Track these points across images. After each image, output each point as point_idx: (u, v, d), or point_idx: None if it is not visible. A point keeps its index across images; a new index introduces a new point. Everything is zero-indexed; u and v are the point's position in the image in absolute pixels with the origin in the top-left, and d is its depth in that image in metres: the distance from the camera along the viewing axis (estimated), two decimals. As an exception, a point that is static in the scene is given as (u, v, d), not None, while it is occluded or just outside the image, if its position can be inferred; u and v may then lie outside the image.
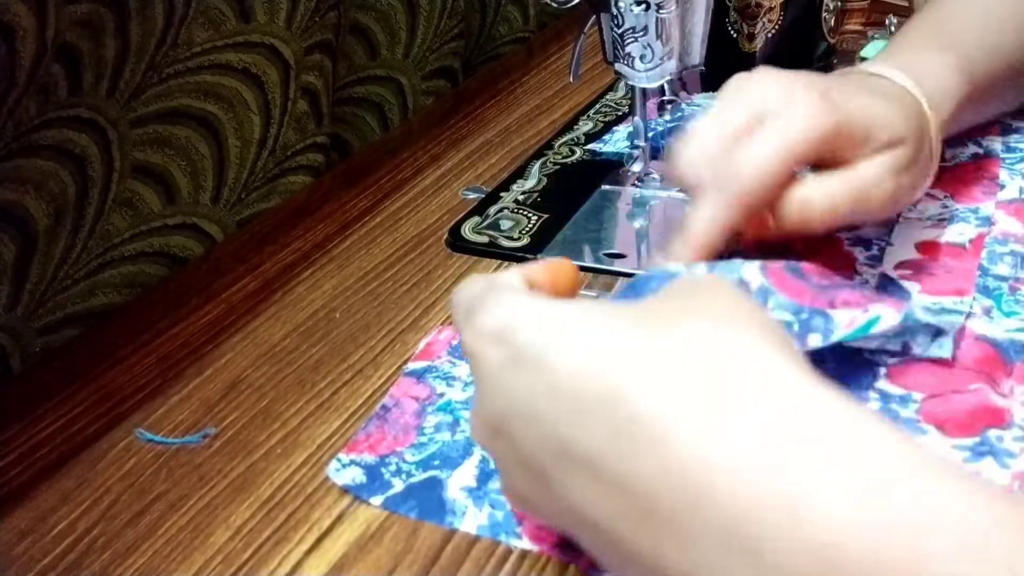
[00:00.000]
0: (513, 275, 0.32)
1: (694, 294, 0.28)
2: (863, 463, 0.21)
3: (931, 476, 0.22)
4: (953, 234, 0.49)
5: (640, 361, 0.25)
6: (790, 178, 0.41)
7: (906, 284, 0.45)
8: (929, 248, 0.48)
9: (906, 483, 0.21)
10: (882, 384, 0.40)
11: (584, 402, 0.25)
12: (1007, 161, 0.55)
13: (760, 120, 0.40)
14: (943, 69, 0.48)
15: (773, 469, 0.22)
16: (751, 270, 0.39)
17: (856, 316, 0.37)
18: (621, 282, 0.38)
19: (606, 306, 0.28)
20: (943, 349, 0.40)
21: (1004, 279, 0.45)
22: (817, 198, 0.41)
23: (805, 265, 0.40)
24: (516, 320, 0.28)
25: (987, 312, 0.43)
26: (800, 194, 0.41)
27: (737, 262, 0.39)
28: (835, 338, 0.37)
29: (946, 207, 0.51)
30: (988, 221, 0.49)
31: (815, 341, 0.37)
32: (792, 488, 0.21)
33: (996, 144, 0.56)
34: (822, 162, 0.42)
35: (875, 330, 0.37)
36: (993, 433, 0.36)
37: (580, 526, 0.27)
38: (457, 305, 0.32)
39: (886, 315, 0.37)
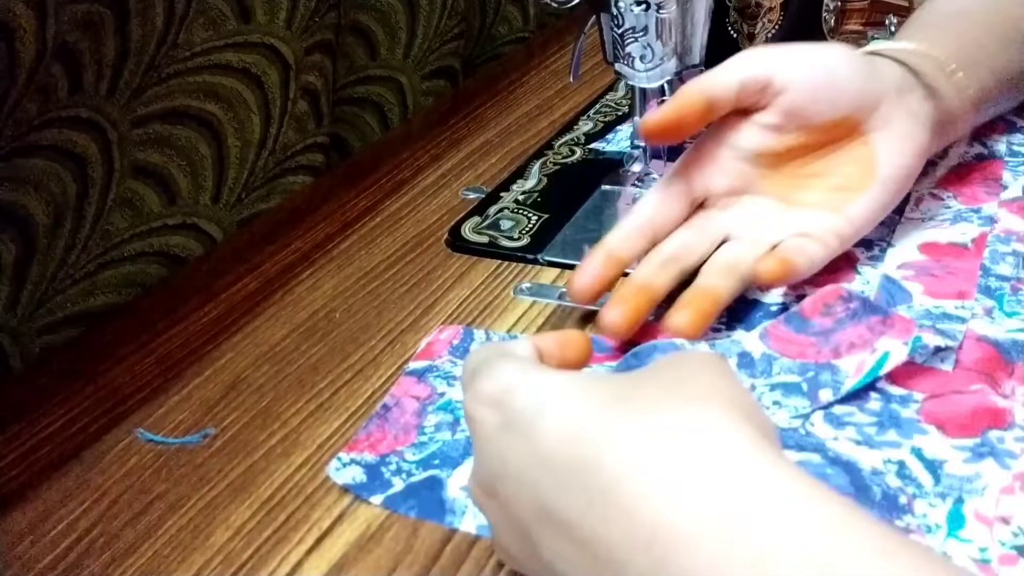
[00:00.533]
0: (524, 344, 0.33)
1: (678, 369, 0.30)
2: (812, 544, 0.23)
3: (879, 563, 0.23)
4: (955, 234, 0.49)
5: (617, 436, 0.26)
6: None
7: (908, 285, 0.45)
8: (931, 249, 0.48)
9: (852, 568, 0.23)
10: (883, 384, 0.40)
11: (564, 469, 0.27)
12: (1011, 163, 0.55)
13: None
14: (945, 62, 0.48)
15: (731, 538, 0.24)
16: (752, 340, 0.41)
17: (864, 359, 0.39)
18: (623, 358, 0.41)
19: (598, 378, 0.30)
20: (945, 363, 0.40)
21: (1006, 279, 0.45)
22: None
23: (805, 306, 0.41)
24: (513, 386, 0.29)
25: (988, 312, 0.43)
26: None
27: (739, 334, 0.41)
28: (846, 389, 0.39)
29: (948, 207, 0.51)
30: (991, 221, 0.49)
31: (826, 396, 0.39)
32: (748, 557, 0.23)
33: (1000, 145, 0.56)
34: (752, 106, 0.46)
35: (884, 370, 0.39)
36: (994, 434, 0.36)
37: None
38: (464, 369, 0.33)
39: (894, 351, 0.38)
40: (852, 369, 0.39)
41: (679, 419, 0.27)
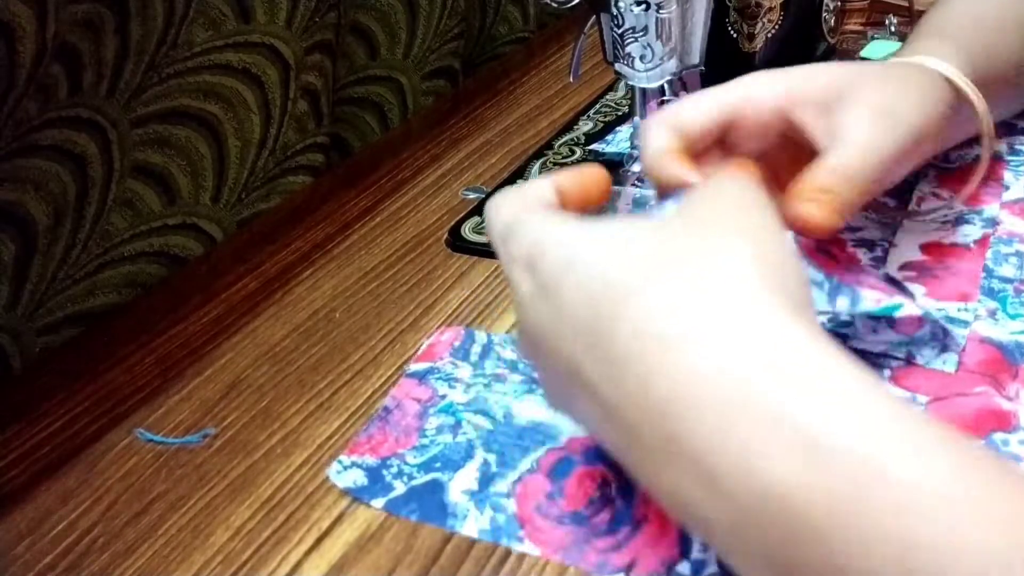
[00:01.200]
0: (545, 187, 0.34)
1: (711, 208, 0.30)
2: (818, 419, 0.24)
3: (884, 432, 0.23)
4: (958, 235, 0.49)
5: (634, 303, 0.27)
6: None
7: (911, 287, 0.45)
8: (933, 249, 0.48)
9: (854, 441, 0.23)
10: (886, 387, 0.39)
11: (587, 332, 0.28)
12: (1012, 163, 0.55)
13: None
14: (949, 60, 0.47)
15: (736, 409, 0.24)
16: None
17: (882, 298, 0.38)
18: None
19: (625, 230, 0.30)
20: (947, 364, 0.40)
21: (1009, 281, 0.45)
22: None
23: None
24: (541, 249, 0.31)
25: (992, 314, 0.43)
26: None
27: None
28: (862, 308, 0.38)
29: (951, 208, 0.51)
30: (993, 222, 0.49)
31: (843, 305, 0.38)
32: (748, 435, 0.24)
33: (1001, 146, 0.56)
34: (799, 127, 0.40)
35: (899, 314, 0.38)
36: (999, 437, 0.36)
37: (595, 435, 0.31)
38: (492, 226, 0.34)
39: (908, 305, 0.38)
40: (872, 299, 0.38)
41: (702, 284, 0.27)
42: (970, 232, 0.49)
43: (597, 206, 0.36)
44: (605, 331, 0.27)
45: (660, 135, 0.39)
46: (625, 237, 0.29)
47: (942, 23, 0.52)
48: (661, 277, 0.27)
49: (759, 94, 0.41)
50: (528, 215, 0.32)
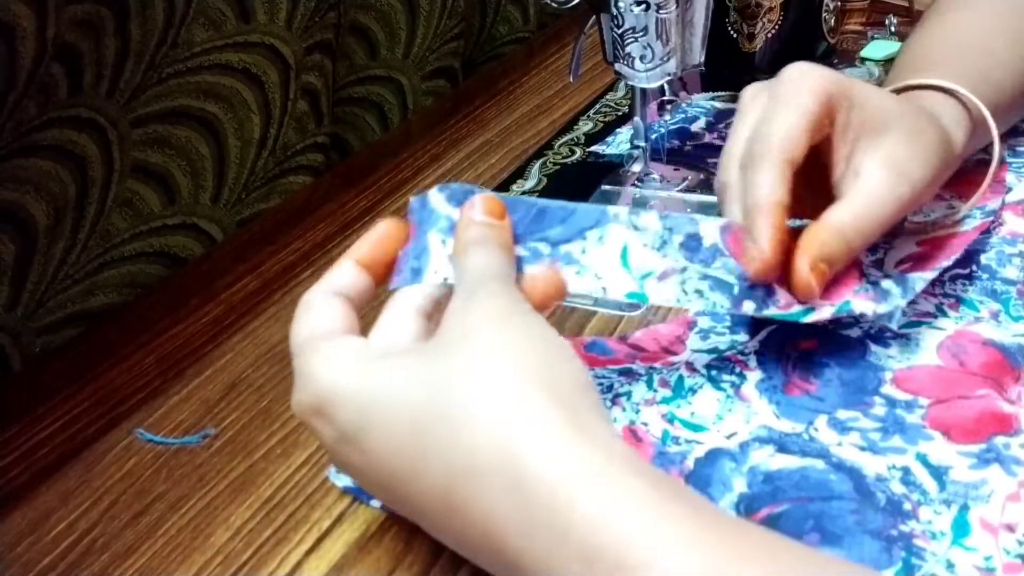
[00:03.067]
0: (345, 274, 0.37)
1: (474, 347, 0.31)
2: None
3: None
4: (956, 229, 0.48)
5: (422, 471, 0.29)
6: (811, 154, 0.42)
7: (910, 277, 0.45)
8: (930, 242, 0.48)
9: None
10: (887, 389, 0.39)
11: (395, 482, 0.31)
12: (1013, 165, 0.54)
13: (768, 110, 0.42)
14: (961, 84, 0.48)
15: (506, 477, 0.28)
16: (709, 227, 0.39)
17: (793, 302, 0.39)
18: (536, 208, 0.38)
19: (398, 381, 0.31)
20: (892, 321, 0.41)
21: (1012, 283, 0.45)
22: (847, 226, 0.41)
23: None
24: (331, 401, 0.31)
25: (995, 316, 0.43)
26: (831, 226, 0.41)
27: (697, 217, 0.39)
28: (767, 313, 0.39)
29: (952, 207, 0.51)
30: (994, 213, 0.49)
31: (748, 308, 0.38)
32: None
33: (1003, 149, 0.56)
34: (827, 150, 0.42)
35: (807, 319, 0.39)
36: (1000, 440, 0.36)
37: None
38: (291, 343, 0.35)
39: (819, 309, 0.39)
40: (783, 301, 0.39)
41: (482, 405, 0.28)
42: (969, 223, 0.49)
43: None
44: (404, 482, 0.30)
45: (778, 183, 0.40)
46: (402, 379, 0.31)
47: (930, 51, 0.52)
48: (444, 416, 0.29)
49: (826, 109, 0.41)
50: (310, 359, 0.33)
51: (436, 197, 0.38)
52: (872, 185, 0.41)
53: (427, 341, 0.34)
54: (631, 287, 0.37)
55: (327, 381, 0.31)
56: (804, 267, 0.39)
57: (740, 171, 0.42)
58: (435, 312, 0.36)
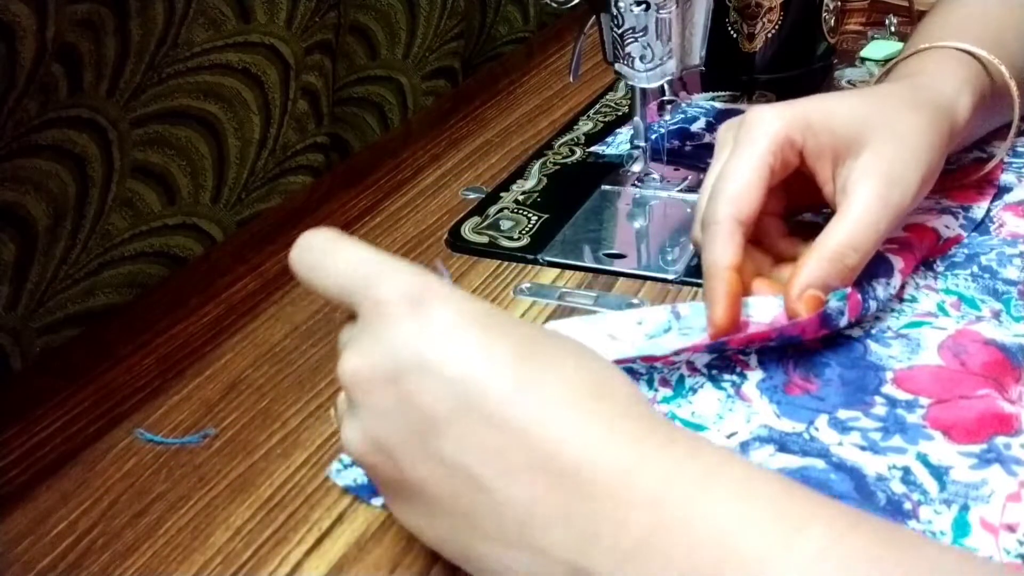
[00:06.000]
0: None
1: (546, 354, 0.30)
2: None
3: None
4: (940, 224, 0.49)
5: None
6: (769, 209, 0.43)
7: (891, 258, 0.45)
8: (915, 229, 0.48)
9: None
10: (888, 389, 0.39)
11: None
12: (1013, 165, 0.54)
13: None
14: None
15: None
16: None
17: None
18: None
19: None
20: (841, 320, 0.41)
21: (1013, 283, 0.45)
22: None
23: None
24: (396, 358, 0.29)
25: (996, 316, 0.43)
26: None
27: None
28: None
29: (939, 203, 0.51)
30: (973, 224, 0.49)
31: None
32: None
33: (996, 149, 0.56)
34: (810, 173, 0.43)
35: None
36: (1001, 440, 0.36)
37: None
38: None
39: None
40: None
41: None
42: (950, 226, 0.49)
43: None
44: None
45: (728, 247, 0.41)
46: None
47: (949, 23, 0.52)
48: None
49: (783, 151, 0.43)
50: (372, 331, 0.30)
51: None
52: (862, 200, 0.42)
53: None
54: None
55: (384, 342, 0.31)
56: (793, 295, 0.41)
57: (702, 227, 0.43)
58: None
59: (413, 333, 0.29)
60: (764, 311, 0.42)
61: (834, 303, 0.40)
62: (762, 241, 0.46)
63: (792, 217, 0.48)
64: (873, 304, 0.43)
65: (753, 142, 0.42)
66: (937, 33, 0.51)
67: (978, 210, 0.50)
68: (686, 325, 0.43)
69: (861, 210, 0.41)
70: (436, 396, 0.28)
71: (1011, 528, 0.33)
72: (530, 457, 0.27)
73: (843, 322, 0.41)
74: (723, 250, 0.41)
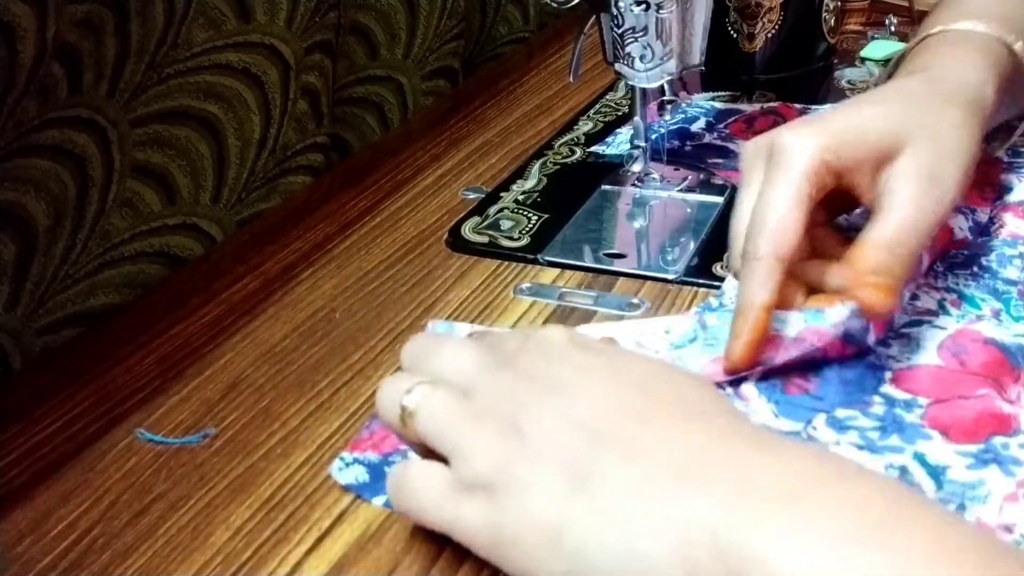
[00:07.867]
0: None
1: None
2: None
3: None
4: (955, 223, 0.48)
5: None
6: (816, 221, 0.43)
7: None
8: None
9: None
10: (887, 388, 0.40)
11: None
12: (1015, 165, 0.54)
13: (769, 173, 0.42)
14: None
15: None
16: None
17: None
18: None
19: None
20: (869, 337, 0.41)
21: (1013, 283, 0.45)
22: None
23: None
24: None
25: (996, 315, 0.43)
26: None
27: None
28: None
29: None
30: (979, 227, 0.49)
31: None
32: None
33: (999, 150, 0.56)
34: (848, 187, 0.42)
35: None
36: (998, 440, 0.36)
37: None
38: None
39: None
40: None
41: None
42: (962, 227, 0.48)
43: None
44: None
45: (764, 285, 0.40)
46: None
47: (961, 2, 0.52)
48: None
49: (820, 175, 0.41)
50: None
51: None
52: (907, 196, 0.41)
53: None
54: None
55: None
56: (857, 291, 0.40)
57: (742, 260, 0.42)
58: None
59: None
60: (792, 326, 0.41)
61: (855, 322, 0.40)
62: (817, 251, 0.44)
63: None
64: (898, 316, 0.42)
65: (788, 169, 0.41)
66: (948, 15, 0.51)
67: (982, 214, 0.50)
68: (712, 336, 0.43)
69: (910, 204, 0.40)
70: None
71: (1008, 529, 0.33)
72: None
73: (870, 339, 0.41)
74: (760, 288, 0.40)
